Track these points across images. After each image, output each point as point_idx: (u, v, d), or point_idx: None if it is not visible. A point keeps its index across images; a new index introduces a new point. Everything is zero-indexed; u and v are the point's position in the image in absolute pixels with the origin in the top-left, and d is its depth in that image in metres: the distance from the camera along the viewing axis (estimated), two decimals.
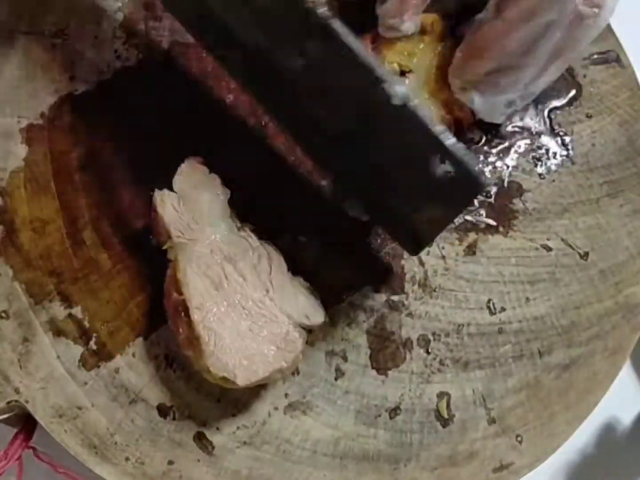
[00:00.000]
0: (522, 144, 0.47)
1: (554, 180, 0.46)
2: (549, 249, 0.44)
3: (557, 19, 0.37)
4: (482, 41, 0.39)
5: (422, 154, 0.35)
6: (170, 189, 0.40)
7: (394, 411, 0.41)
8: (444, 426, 0.41)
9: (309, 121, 0.38)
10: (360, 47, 0.34)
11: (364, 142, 0.37)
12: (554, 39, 0.37)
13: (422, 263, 0.44)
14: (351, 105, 0.36)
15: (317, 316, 0.39)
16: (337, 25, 0.34)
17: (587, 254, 0.45)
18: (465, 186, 0.35)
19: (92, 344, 0.41)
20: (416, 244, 0.40)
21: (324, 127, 0.38)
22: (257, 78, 0.39)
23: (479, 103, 0.41)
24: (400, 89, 0.34)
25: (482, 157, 0.46)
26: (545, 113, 0.48)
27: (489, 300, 0.43)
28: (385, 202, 0.39)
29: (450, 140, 0.34)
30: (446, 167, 0.34)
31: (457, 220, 0.44)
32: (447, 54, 0.42)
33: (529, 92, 0.41)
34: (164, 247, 0.40)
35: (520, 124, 0.47)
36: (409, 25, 0.40)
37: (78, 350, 0.40)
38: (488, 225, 0.45)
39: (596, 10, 0.37)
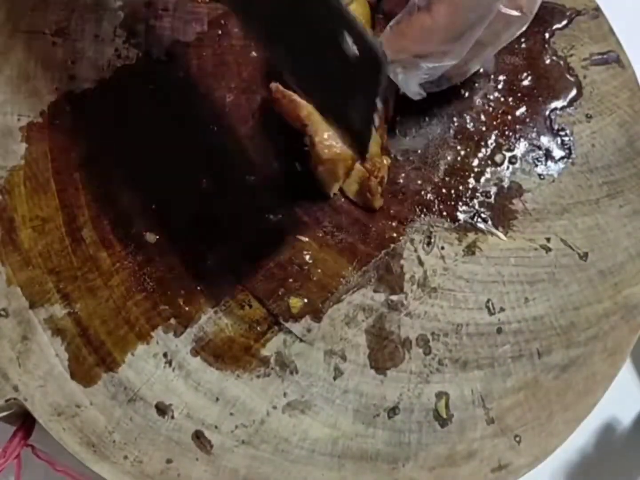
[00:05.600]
0: (522, 144, 0.47)
1: (553, 181, 0.46)
2: (549, 250, 0.44)
3: (481, 18, 0.38)
4: (409, 29, 0.39)
5: (334, 34, 0.33)
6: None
7: (393, 411, 0.41)
8: (442, 426, 0.41)
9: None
10: None
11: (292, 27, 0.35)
12: (477, 34, 0.38)
13: (421, 263, 0.44)
14: None
15: None
16: None
17: (586, 254, 0.45)
18: (372, 64, 0.32)
19: (91, 343, 0.41)
20: (359, 143, 0.38)
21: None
22: None
23: (401, 79, 0.41)
24: None
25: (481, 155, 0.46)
26: (546, 113, 0.48)
27: (488, 301, 0.43)
28: (324, 95, 0.37)
29: (352, 15, 0.32)
30: (353, 46, 0.32)
31: (457, 221, 0.45)
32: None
33: (446, 76, 0.43)
34: None
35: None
36: None
37: (77, 348, 0.40)
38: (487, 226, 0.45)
39: (519, 13, 0.39)
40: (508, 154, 0.46)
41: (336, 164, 0.42)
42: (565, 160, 0.47)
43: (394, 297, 0.43)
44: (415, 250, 0.44)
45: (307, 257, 0.43)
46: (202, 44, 0.47)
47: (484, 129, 0.47)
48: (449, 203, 0.45)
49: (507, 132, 0.47)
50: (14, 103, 0.45)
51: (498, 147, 0.47)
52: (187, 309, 0.41)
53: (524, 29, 0.41)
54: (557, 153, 0.47)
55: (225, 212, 0.44)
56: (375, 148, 0.43)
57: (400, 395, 0.41)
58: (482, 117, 0.47)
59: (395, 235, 0.44)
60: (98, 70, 0.46)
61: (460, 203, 0.45)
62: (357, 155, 0.40)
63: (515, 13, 0.39)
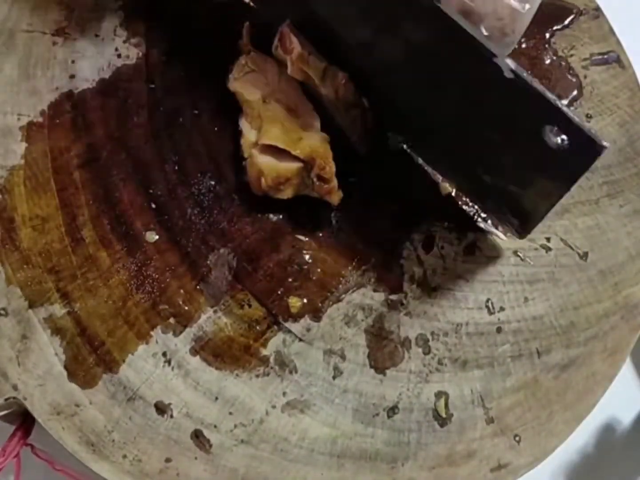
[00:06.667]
0: None
1: None
2: (549, 249, 0.44)
3: None
4: None
5: (534, 126, 0.35)
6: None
7: (392, 410, 0.41)
8: (442, 425, 0.41)
9: (411, 108, 0.39)
10: (468, 24, 0.34)
11: (472, 121, 0.37)
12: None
13: (421, 262, 0.44)
14: (458, 86, 0.37)
15: None
16: (444, 6, 0.34)
17: (586, 254, 0.44)
18: (583, 152, 0.34)
19: (90, 342, 0.41)
20: (525, 223, 0.40)
21: (431, 113, 0.38)
22: (359, 71, 0.40)
23: None
24: (510, 62, 0.34)
25: None
26: None
27: (487, 300, 0.43)
28: (491, 182, 0.39)
29: (565, 106, 0.34)
30: (561, 136, 0.34)
31: (457, 221, 0.45)
32: None
33: None
34: None
35: None
36: None
37: (76, 347, 0.40)
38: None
39: (503, 35, 0.39)
40: None
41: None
42: None
43: (393, 297, 0.43)
44: (415, 250, 0.44)
45: (307, 257, 0.43)
46: (202, 44, 0.47)
47: None
48: (449, 203, 0.45)
49: None
50: (14, 103, 0.45)
51: None
52: (186, 308, 0.41)
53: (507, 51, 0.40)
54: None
55: (225, 212, 0.44)
56: (324, 147, 0.42)
57: (399, 395, 0.41)
58: None
59: (395, 234, 0.44)
60: (98, 70, 0.46)
61: (460, 203, 0.45)
62: (515, 235, 0.42)
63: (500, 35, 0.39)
